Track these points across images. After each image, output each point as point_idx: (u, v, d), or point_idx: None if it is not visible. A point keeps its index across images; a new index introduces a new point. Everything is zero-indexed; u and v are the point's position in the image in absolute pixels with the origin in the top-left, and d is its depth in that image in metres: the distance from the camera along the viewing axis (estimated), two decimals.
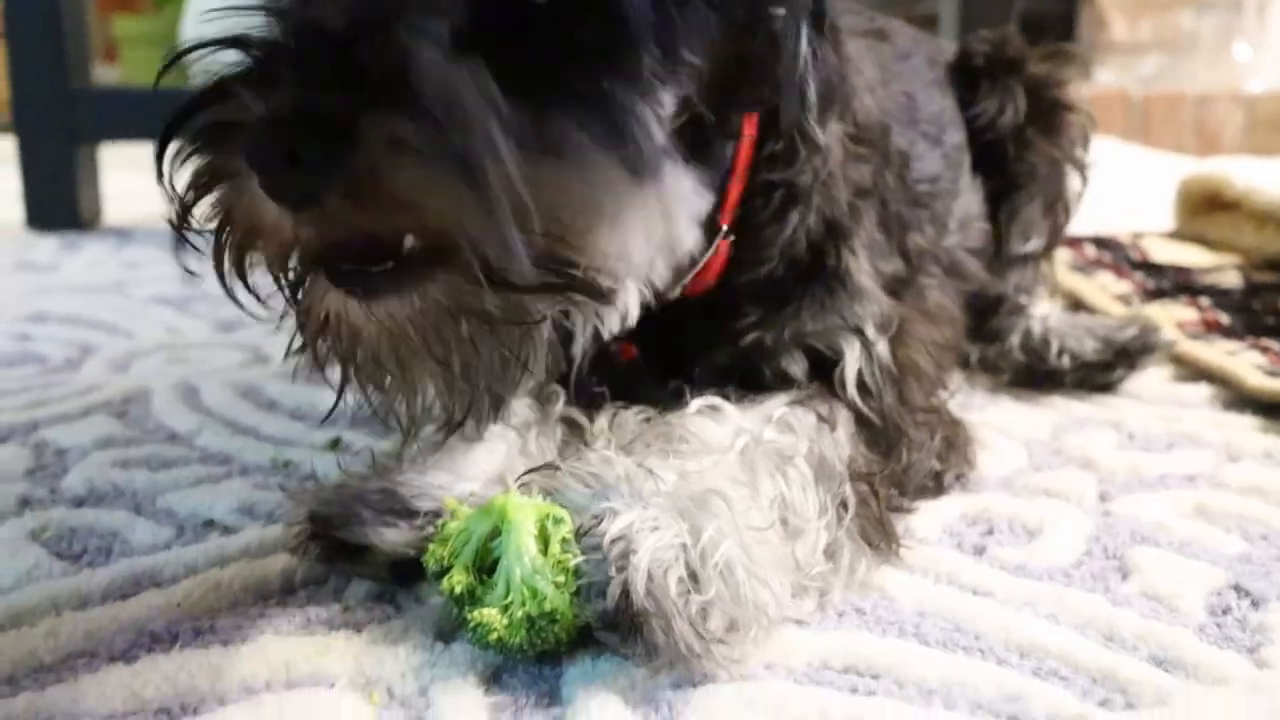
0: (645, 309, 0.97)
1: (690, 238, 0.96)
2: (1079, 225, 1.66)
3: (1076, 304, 1.91)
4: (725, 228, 1.03)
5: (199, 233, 0.83)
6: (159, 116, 0.79)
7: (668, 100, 0.88)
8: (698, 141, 0.94)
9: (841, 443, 1.01)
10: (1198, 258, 2.25)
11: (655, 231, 0.89)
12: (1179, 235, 2.47)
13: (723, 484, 0.90)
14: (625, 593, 0.81)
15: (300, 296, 0.85)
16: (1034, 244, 1.58)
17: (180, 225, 0.82)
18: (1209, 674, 0.85)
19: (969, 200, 1.50)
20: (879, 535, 0.98)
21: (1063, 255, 1.87)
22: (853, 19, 1.32)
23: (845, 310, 1.08)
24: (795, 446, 0.97)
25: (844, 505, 0.96)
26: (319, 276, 0.81)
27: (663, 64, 0.85)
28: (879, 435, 1.06)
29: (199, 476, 1.20)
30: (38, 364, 1.63)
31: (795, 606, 0.90)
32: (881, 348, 1.09)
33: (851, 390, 1.06)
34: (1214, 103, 4.50)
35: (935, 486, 1.13)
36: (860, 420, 1.05)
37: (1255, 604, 0.96)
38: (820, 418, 1.02)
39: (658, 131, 0.85)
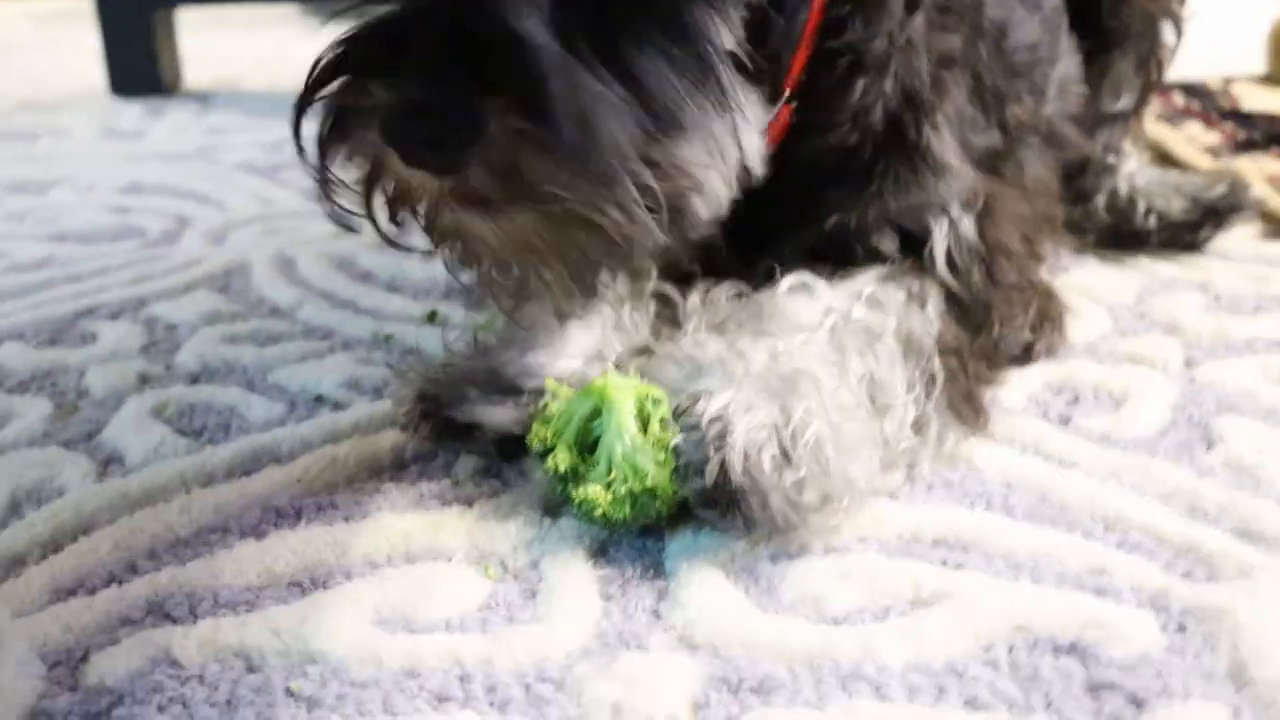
0: None
1: (756, 148, 0.94)
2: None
3: (1163, 156, 1.88)
4: (788, 93, 1.01)
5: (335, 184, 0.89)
6: None
7: (735, 14, 0.88)
8: (761, 29, 0.93)
9: (930, 319, 1.02)
10: None
11: (730, 152, 0.89)
12: (1271, 80, 2.40)
13: (812, 364, 0.93)
14: (723, 470, 0.85)
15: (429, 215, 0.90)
16: (1125, 102, 1.55)
17: (326, 194, 0.88)
18: None
19: (1067, 64, 1.45)
20: (967, 408, 1.01)
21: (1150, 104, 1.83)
22: None
23: (929, 188, 1.08)
24: (884, 323, 0.99)
25: (932, 380, 0.98)
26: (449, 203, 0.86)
27: None
28: (969, 311, 1.06)
29: (304, 351, 1.25)
30: (138, 237, 1.68)
31: (884, 479, 0.93)
32: (967, 225, 1.09)
33: (941, 267, 1.07)
34: None
35: (1024, 357, 1.15)
36: (950, 296, 1.06)
37: None
38: (910, 294, 1.03)
39: (731, 46, 0.88)
